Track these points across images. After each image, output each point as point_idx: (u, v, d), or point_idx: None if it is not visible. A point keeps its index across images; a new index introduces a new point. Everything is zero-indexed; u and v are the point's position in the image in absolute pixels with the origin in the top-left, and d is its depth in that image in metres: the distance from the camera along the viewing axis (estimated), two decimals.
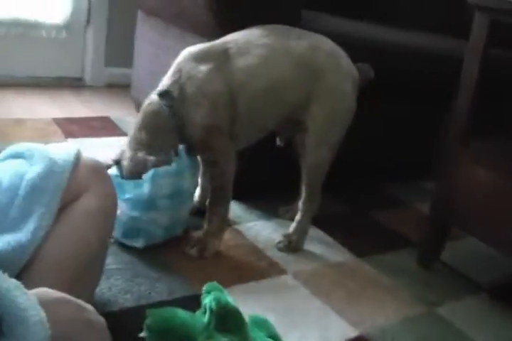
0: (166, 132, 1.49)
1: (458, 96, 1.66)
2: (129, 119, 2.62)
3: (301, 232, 1.77)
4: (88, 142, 2.33)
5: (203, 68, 1.47)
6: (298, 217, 1.77)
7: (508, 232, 1.55)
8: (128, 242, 1.56)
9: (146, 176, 1.46)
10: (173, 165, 1.49)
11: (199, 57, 1.51)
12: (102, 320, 0.85)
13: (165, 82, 1.52)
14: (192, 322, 1.11)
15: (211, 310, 1.10)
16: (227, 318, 1.12)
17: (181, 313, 1.13)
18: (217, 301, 1.11)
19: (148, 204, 1.50)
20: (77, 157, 1.13)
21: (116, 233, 1.53)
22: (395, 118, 2.31)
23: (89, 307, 0.84)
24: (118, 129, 2.57)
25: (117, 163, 1.52)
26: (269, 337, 1.23)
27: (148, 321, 1.07)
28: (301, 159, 1.78)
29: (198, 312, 1.16)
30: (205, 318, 1.11)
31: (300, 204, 1.77)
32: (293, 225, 1.77)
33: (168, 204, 1.54)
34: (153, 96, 1.50)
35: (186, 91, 1.49)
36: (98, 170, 1.19)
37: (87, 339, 0.79)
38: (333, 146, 1.70)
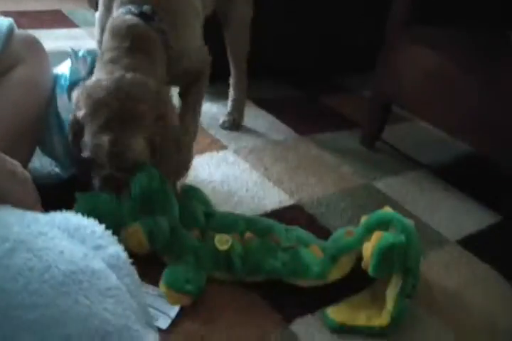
0: (158, 56, 1.24)
1: None
2: (81, 12, 2.59)
3: (240, 109, 1.78)
4: (39, 34, 2.21)
5: None
6: (233, 95, 1.78)
7: (440, 108, 1.57)
8: None
9: None
10: None
11: None
12: (26, 173, 0.87)
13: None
14: (118, 206, 1.10)
15: (135, 194, 1.09)
16: (150, 200, 1.10)
17: (108, 197, 1.11)
18: (139, 184, 1.08)
19: None
20: (10, 29, 1.09)
21: None
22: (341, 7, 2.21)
23: (14, 161, 0.86)
24: (69, 21, 2.51)
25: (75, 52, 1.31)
26: (203, 205, 1.24)
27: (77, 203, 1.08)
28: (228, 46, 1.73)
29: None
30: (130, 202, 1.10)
31: (232, 83, 1.77)
32: (230, 104, 1.78)
33: None
34: (133, 17, 1.22)
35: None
36: (32, 43, 1.17)
37: (11, 187, 0.83)
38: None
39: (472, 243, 1.41)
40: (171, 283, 1.03)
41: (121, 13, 1.20)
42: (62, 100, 1.26)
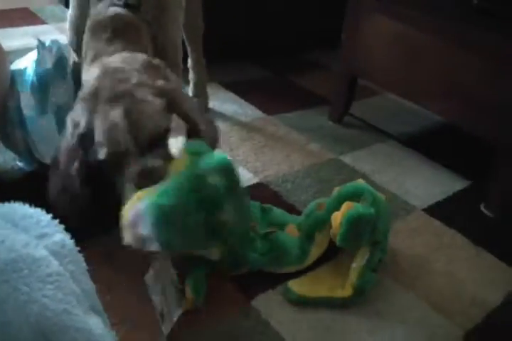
0: (147, 45, 1.19)
1: None
2: (50, 8, 2.60)
3: (203, 91, 1.79)
4: (7, 32, 2.24)
5: None
6: (194, 78, 1.78)
7: (407, 77, 1.56)
8: None
9: None
10: None
11: None
12: None
13: None
14: None
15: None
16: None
17: None
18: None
19: None
20: None
21: None
22: None
23: None
24: (38, 18, 2.49)
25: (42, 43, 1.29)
26: None
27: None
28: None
29: None
30: None
31: (191, 66, 1.77)
32: (192, 88, 1.78)
33: None
34: (117, 8, 1.17)
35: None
36: None
37: None
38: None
39: (439, 210, 1.42)
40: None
41: (102, 7, 1.15)
42: (24, 96, 1.25)
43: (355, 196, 1.15)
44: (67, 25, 1.41)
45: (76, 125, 0.96)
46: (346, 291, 1.07)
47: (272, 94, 1.98)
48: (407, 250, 1.26)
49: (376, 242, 1.11)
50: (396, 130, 1.82)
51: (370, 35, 1.64)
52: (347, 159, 1.61)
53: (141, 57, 1.02)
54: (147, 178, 0.89)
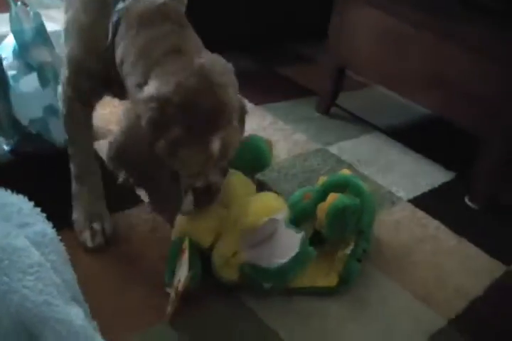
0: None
1: None
2: None
3: None
4: None
5: None
6: None
7: (394, 69, 1.57)
8: None
9: None
10: None
11: None
12: None
13: None
14: None
15: None
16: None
17: None
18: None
19: None
20: None
21: None
22: None
23: None
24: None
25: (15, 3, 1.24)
26: None
27: None
28: None
29: None
30: None
31: None
32: None
33: None
34: None
35: None
36: None
37: None
38: None
39: (424, 201, 1.43)
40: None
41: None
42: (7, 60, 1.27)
43: (340, 186, 1.15)
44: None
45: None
46: (332, 280, 1.07)
47: (259, 85, 1.97)
48: (392, 240, 1.26)
49: (361, 232, 1.11)
50: (383, 122, 1.82)
51: (356, 26, 1.64)
52: (333, 149, 1.61)
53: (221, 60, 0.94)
54: (207, 193, 0.95)
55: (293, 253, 1.01)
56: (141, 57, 0.90)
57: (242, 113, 1.01)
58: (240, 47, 2.19)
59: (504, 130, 1.36)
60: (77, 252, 1.02)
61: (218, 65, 0.91)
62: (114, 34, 0.95)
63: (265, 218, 1.00)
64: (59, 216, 0.88)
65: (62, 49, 1.09)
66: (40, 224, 0.79)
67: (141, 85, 0.88)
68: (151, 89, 0.85)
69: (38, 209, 0.82)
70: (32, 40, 1.27)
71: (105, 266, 1.05)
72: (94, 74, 1.02)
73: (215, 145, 0.86)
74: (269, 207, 1.04)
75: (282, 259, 1.00)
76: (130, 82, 0.92)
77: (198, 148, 0.86)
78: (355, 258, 1.10)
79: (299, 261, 1.03)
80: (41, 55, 1.28)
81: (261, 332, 0.97)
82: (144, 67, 0.89)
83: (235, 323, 0.98)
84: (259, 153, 1.24)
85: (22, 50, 1.26)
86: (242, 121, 1.00)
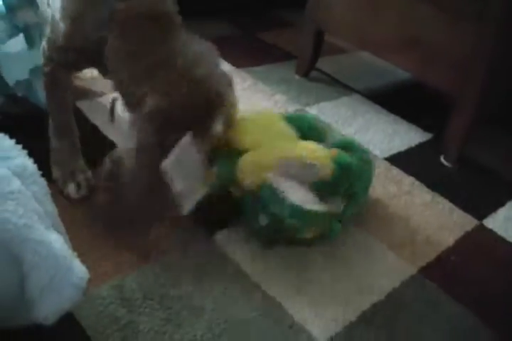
0: None
1: None
2: None
3: None
4: None
5: None
6: None
7: (368, 29, 1.58)
8: None
9: None
10: None
11: None
12: None
13: None
14: None
15: None
16: None
17: None
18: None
19: None
20: None
21: None
22: None
23: None
24: None
25: None
26: None
27: None
28: None
29: None
30: None
31: None
32: None
33: None
34: None
35: None
36: None
37: None
38: None
39: (400, 159, 1.45)
40: None
41: None
42: None
43: (345, 149, 1.12)
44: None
45: None
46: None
47: (240, 50, 1.97)
48: (368, 196, 1.29)
49: (352, 194, 1.11)
50: (362, 85, 1.84)
51: None
52: (312, 110, 1.62)
53: None
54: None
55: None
56: (130, 64, 0.98)
57: (229, 81, 1.09)
58: (223, 13, 2.19)
59: (476, 91, 1.38)
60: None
61: (198, 58, 1.04)
62: (106, 28, 0.99)
63: (310, 160, 1.01)
64: (43, 174, 0.88)
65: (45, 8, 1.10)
66: (21, 159, 0.80)
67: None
68: (151, 103, 0.94)
69: (20, 146, 0.83)
70: (18, 2, 1.26)
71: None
72: (83, 52, 1.05)
73: (218, 127, 0.99)
74: (317, 153, 1.04)
75: (308, 205, 1.01)
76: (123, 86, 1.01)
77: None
78: (338, 220, 1.10)
79: (314, 222, 1.04)
80: (27, 16, 1.28)
81: (235, 275, 1.00)
82: (134, 78, 0.98)
83: (211, 267, 1.00)
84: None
85: (8, 12, 1.25)
86: (231, 88, 1.08)
